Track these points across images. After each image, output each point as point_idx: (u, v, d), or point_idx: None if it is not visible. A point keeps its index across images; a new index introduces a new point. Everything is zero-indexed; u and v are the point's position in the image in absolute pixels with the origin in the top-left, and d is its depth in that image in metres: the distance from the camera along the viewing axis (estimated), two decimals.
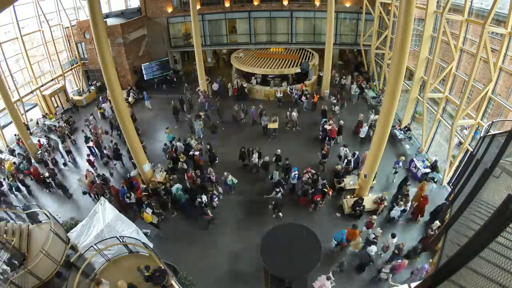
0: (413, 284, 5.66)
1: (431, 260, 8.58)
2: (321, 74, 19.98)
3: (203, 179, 12.09)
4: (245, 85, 19.78)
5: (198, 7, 19.89)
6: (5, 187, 13.11)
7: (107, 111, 18.60)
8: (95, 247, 7.47)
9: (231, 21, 22.89)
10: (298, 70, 19.37)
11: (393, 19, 16.45)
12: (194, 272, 8.93)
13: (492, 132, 7.87)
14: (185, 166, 12.63)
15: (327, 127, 14.36)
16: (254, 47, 22.92)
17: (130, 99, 19.93)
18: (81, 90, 21.80)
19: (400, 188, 11.35)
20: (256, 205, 11.68)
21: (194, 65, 21.26)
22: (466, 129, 12.95)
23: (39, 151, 14.99)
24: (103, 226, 8.42)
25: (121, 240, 7.58)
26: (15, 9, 16.41)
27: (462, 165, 10.89)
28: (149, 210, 10.55)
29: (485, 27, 9.19)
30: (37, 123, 18.27)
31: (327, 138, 14.54)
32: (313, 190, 11.16)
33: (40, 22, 18.70)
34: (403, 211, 10.40)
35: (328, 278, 7.96)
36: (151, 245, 8.84)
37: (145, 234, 9.78)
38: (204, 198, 10.90)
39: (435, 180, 12.33)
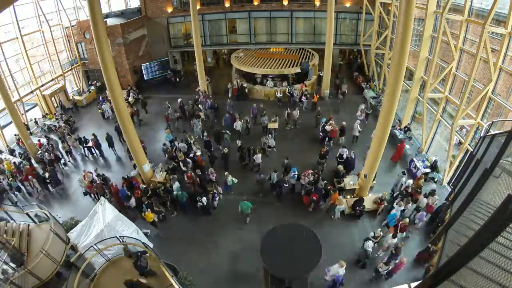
0: (413, 284, 5.67)
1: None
2: (321, 74, 19.98)
3: (203, 179, 12.08)
4: (245, 85, 19.78)
5: (198, 7, 19.89)
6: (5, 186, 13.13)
7: (107, 111, 18.62)
8: (95, 247, 7.48)
9: (231, 21, 22.89)
10: (298, 70, 19.38)
11: (393, 19, 16.44)
12: (194, 272, 8.92)
13: (492, 132, 7.88)
14: (184, 168, 12.57)
15: (328, 127, 14.36)
16: (254, 47, 22.92)
17: (130, 99, 19.92)
18: (81, 90, 21.81)
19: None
20: (256, 205, 11.68)
21: (194, 65, 21.29)
22: (465, 128, 12.96)
23: (39, 151, 15.00)
24: (103, 226, 8.42)
25: (121, 240, 7.58)
26: (15, 9, 16.41)
27: (462, 165, 10.89)
28: (149, 211, 10.53)
29: (485, 27, 9.19)
30: (36, 122, 18.27)
31: (326, 139, 14.53)
32: (313, 189, 11.15)
33: (40, 22, 18.71)
34: (403, 211, 10.39)
35: (342, 266, 8.07)
36: (151, 245, 8.85)
37: (145, 234, 9.79)
38: (205, 199, 10.90)
39: (435, 180, 12.34)
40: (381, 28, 19.09)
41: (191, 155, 13.17)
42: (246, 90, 19.70)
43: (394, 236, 9.24)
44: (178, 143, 13.84)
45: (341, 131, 14.60)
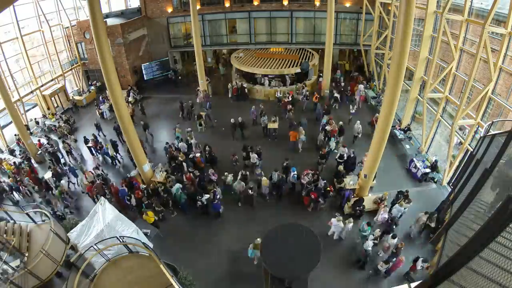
0: (413, 284, 5.66)
1: None
2: (321, 75, 19.97)
3: (203, 179, 12.05)
4: (245, 85, 19.78)
5: (198, 7, 19.89)
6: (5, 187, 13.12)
7: (105, 112, 18.61)
8: (95, 247, 7.47)
9: (231, 21, 22.88)
10: (298, 70, 19.38)
11: (393, 19, 16.44)
12: (194, 272, 8.92)
13: (492, 132, 7.89)
14: (185, 168, 12.56)
15: (328, 128, 14.35)
16: (254, 47, 22.92)
17: (130, 99, 19.93)
18: (81, 90, 21.81)
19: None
20: (256, 204, 11.69)
21: (194, 65, 21.29)
22: (465, 128, 12.96)
23: (39, 151, 14.99)
24: (103, 226, 8.40)
25: (121, 240, 7.58)
26: (15, 9, 16.41)
27: (462, 165, 10.90)
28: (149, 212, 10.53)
29: (485, 27, 9.19)
30: (38, 123, 18.27)
31: (326, 139, 14.53)
32: (313, 189, 11.15)
33: (40, 22, 18.71)
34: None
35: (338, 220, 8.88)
36: (151, 245, 8.84)
37: (145, 234, 9.78)
38: (205, 197, 10.88)
39: (435, 180, 12.34)
40: (381, 28, 19.09)
41: (191, 155, 13.17)
42: (246, 90, 19.70)
43: (394, 237, 9.25)
44: (178, 143, 13.83)
45: (340, 131, 14.60)
